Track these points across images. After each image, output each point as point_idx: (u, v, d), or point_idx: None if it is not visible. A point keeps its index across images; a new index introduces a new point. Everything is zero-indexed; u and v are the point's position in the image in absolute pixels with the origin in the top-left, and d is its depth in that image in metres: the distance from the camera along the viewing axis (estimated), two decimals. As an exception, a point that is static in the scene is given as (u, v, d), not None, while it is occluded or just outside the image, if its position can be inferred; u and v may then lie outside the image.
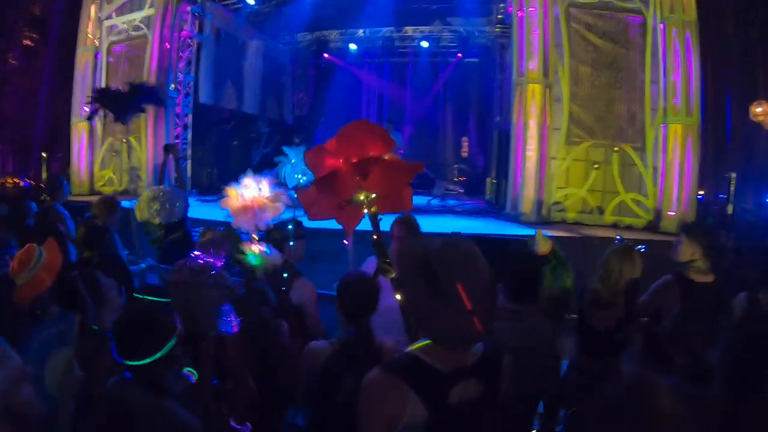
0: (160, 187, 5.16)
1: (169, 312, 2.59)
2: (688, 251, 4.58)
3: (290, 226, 4.27)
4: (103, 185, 15.46)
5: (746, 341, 4.28)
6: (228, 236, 4.50)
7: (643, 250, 4.63)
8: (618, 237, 4.60)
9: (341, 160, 3.32)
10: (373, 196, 3.18)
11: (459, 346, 2.07)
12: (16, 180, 19.00)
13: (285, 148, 5.00)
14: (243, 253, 3.92)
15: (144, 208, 5.00)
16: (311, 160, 3.61)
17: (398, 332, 3.34)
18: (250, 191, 4.07)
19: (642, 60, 11.82)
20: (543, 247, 4.34)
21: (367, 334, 3.23)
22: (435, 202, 14.13)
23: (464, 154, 20.24)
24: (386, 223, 3.68)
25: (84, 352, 2.89)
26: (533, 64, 11.61)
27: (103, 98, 3.87)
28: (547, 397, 3.68)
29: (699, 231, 4.69)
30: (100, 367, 2.84)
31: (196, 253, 4.15)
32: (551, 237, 4.49)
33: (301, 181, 4.49)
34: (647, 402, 1.57)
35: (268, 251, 3.98)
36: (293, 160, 4.96)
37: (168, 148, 8.20)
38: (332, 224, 3.27)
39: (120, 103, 4.00)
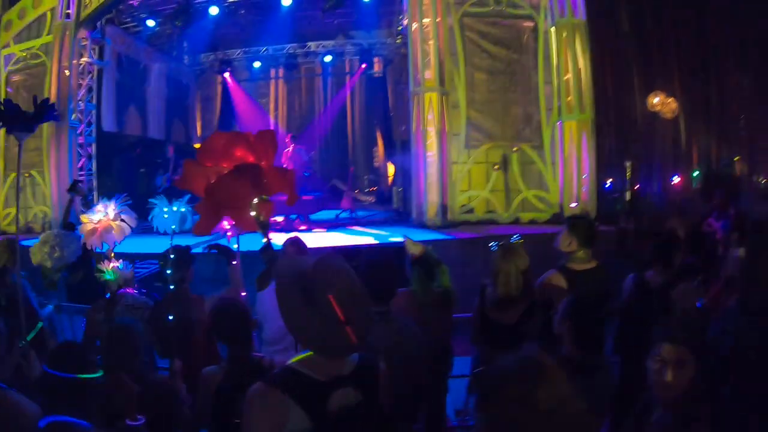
0: (52, 231, 5.19)
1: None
2: (567, 242, 4.90)
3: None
4: (9, 224, 14.95)
5: (635, 315, 4.61)
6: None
7: (520, 239, 4.91)
8: (493, 244, 4.80)
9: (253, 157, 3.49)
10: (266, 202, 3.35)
11: (335, 355, 2.19)
12: None
13: (153, 200, 5.10)
14: (101, 270, 4.14)
15: (36, 252, 5.00)
16: (218, 143, 3.79)
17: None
18: (99, 215, 4.32)
19: (535, 63, 12.38)
20: (414, 251, 4.54)
21: (250, 357, 3.36)
22: (344, 215, 14.21)
23: (376, 164, 20.46)
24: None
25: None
26: (429, 74, 11.94)
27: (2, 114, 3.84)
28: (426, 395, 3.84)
29: (577, 223, 5.01)
30: None
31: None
32: (423, 242, 4.69)
33: (175, 230, 4.61)
34: (535, 372, 1.65)
35: (121, 267, 4.23)
36: (165, 208, 5.05)
37: (72, 189, 8.04)
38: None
39: (18, 120, 3.96)
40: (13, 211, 14.95)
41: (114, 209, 4.36)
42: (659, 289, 4.75)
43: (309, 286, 2.11)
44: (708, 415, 2.44)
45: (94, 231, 4.23)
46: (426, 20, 12.08)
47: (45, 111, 3.93)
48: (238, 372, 3.26)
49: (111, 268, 4.19)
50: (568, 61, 12.03)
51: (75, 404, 2.56)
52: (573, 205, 11.79)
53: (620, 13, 17.22)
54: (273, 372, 2.30)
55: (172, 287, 4.36)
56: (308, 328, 2.14)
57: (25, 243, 6.59)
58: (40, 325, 4.11)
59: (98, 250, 4.49)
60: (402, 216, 13.91)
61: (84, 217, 4.33)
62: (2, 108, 3.84)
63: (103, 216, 4.30)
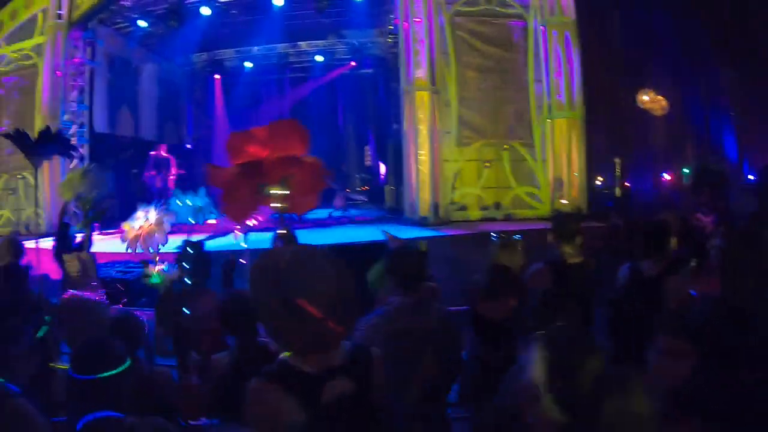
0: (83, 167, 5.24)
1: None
2: (550, 236, 5.04)
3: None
4: (2, 225, 14.98)
5: (629, 306, 4.70)
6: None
7: (520, 238, 5.02)
8: (494, 235, 4.92)
9: (267, 151, 3.56)
10: (283, 192, 3.42)
11: (315, 350, 2.20)
12: None
13: (175, 192, 5.33)
14: (147, 275, 4.18)
15: (67, 187, 5.03)
16: (234, 143, 3.84)
17: None
18: (140, 221, 4.34)
19: (526, 61, 12.49)
20: (395, 245, 4.63)
21: (256, 344, 3.46)
22: (337, 213, 14.26)
23: (368, 163, 20.51)
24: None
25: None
26: (420, 72, 12.05)
27: (17, 140, 3.93)
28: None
29: (557, 218, 5.17)
30: None
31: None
32: (417, 239, 4.80)
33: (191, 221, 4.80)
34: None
35: (166, 269, 4.24)
36: (188, 201, 5.24)
37: None
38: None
39: (32, 148, 4.06)
40: (5, 213, 14.99)
41: (155, 213, 4.41)
42: (654, 278, 4.86)
43: (280, 288, 2.13)
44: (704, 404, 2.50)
45: (137, 237, 4.28)
46: (417, 19, 12.16)
47: (53, 143, 4.10)
48: (244, 358, 3.36)
49: (157, 271, 4.21)
50: (557, 59, 12.14)
51: (106, 401, 2.60)
52: (564, 201, 11.91)
53: (610, 10, 17.37)
54: (267, 366, 2.29)
55: (187, 282, 4.46)
56: (284, 331, 2.20)
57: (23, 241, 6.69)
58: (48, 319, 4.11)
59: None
60: (395, 214, 13.97)
61: (126, 225, 4.40)
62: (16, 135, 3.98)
63: (144, 221, 4.36)
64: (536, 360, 1.84)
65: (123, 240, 4.44)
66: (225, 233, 5.02)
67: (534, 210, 12.17)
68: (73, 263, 4.74)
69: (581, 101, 12.20)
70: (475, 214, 12.05)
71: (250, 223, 5.05)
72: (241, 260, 4.74)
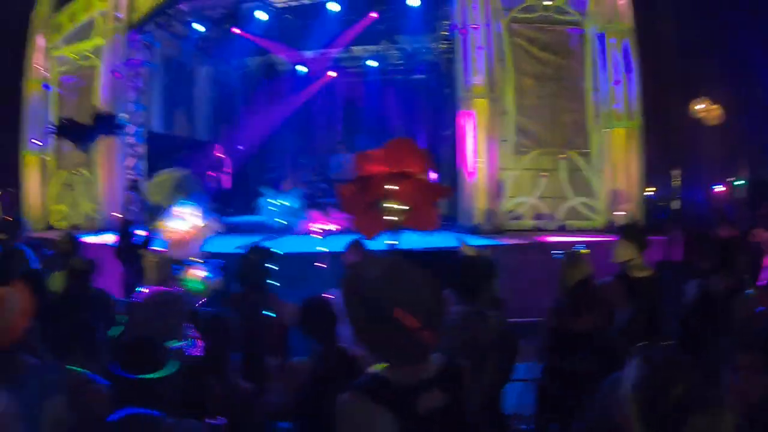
0: (174, 171, 5.24)
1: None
2: (624, 250, 4.97)
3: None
4: (59, 220, 15.32)
5: (698, 322, 4.64)
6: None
7: (583, 249, 4.94)
8: (559, 253, 4.87)
9: (382, 168, 3.60)
10: (400, 208, 3.44)
11: (409, 363, 2.21)
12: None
13: (263, 189, 5.37)
14: (185, 279, 4.12)
15: (154, 190, 5.05)
16: (357, 162, 3.90)
17: None
18: (182, 223, 4.29)
19: (583, 69, 12.31)
20: (469, 254, 4.59)
21: (339, 349, 3.47)
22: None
23: (416, 169, 20.44)
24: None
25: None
26: (478, 79, 11.96)
27: (64, 130, 3.98)
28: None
29: (633, 231, 5.09)
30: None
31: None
32: (481, 246, 4.75)
33: (282, 222, 4.80)
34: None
35: (209, 275, 4.19)
36: (277, 202, 5.28)
37: (133, 188, 8.32)
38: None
39: (81, 133, 4.11)
40: (63, 207, 15.32)
41: (197, 214, 4.34)
42: (722, 295, 4.77)
43: (375, 299, 2.14)
44: None
45: (181, 241, 4.23)
46: (474, 26, 12.09)
47: (105, 123, 4.12)
48: (325, 364, 3.38)
49: (198, 277, 4.16)
50: (615, 67, 11.97)
51: (148, 402, 2.60)
52: (620, 213, 11.71)
53: (664, 17, 17.11)
54: (360, 379, 2.30)
55: (251, 285, 4.49)
56: (379, 342, 2.21)
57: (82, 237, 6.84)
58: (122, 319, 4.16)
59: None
60: (448, 220, 13.86)
61: (165, 225, 4.32)
62: (62, 124, 4.02)
63: (187, 223, 4.28)
64: (633, 377, 1.81)
65: (164, 240, 4.35)
66: (302, 234, 5.03)
67: (589, 221, 11.98)
68: (150, 261, 4.77)
69: (640, 111, 11.98)
70: (529, 223, 11.91)
71: (330, 227, 5.06)
72: (320, 264, 4.77)
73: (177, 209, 4.38)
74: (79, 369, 3.07)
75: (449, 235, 11.49)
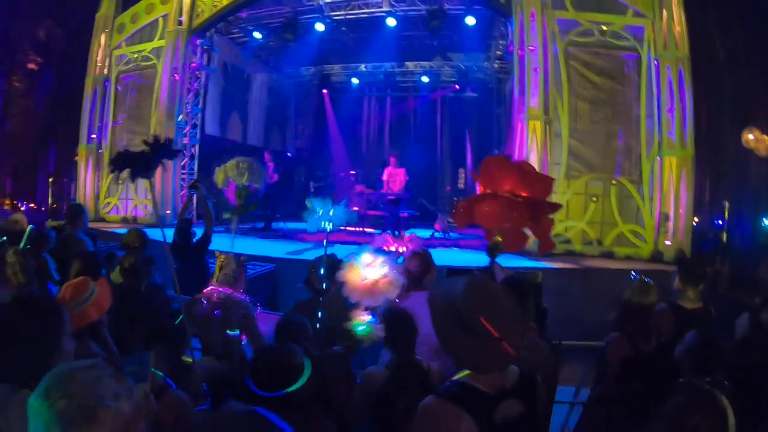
0: (244, 157, 5.32)
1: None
2: (677, 280, 5.02)
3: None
4: (108, 212, 15.73)
5: (751, 357, 4.63)
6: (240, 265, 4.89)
7: (649, 281, 4.98)
8: (633, 273, 4.95)
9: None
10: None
11: (492, 371, 2.31)
12: (14, 202, 18.97)
13: (311, 199, 5.45)
14: (351, 323, 4.18)
15: (221, 173, 5.13)
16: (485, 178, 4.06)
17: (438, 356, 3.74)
18: (372, 271, 4.34)
19: (637, 95, 12.25)
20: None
21: (414, 360, 3.57)
22: (438, 235, 14.29)
23: (461, 186, 20.47)
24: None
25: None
26: (534, 101, 11.99)
27: (123, 162, 4.14)
28: None
29: (689, 262, 5.15)
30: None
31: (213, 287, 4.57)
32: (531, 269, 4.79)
33: (328, 228, 4.87)
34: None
35: (372, 320, 4.23)
36: (320, 211, 5.35)
37: (193, 187, 8.52)
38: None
39: (140, 163, 4.26)
40: (114, 200, 15.72)
41: (385, 265, 4.38)
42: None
43: (461, 310, 2.24)
44: None
45: (369, 290, 4.28)
46: (532, 48, 12.15)
47: (165, 151, 4.26)
48: (401, 374, 3.46)
49: (364, 321, 4.22)
50: (670, 95, 11.90)
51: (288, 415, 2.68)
52: (668, 243, 11.62)
53: (715, 45, 16.92)
54: (444, 386, 2.38)
55: (321, 292, 4.61)
56: (465, 350, 2.28)
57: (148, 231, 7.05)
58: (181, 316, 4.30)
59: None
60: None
61: (352, 267, 4.37)
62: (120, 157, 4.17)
63: (377, 273, 4.32)
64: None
65: (342, 278, 4.37)
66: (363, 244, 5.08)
67: (636, 249, 11.89)
68: (224, 261, 4.91)
69: (692, 140, 11.87)
70: (578, 248, 11.86)
71: (400, 250, 5.13)
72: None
73: (368, 257, 4.42)
74: (158, 372, 3.17)
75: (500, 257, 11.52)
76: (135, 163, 4.32)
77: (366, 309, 4.28)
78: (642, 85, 12.24)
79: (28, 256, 5.03)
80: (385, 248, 5.21)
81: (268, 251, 10.75)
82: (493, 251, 4.86)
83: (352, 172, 18.22)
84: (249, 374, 2.73)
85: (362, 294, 4.26)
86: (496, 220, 4.17)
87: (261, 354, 2.84)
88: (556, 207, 4.37)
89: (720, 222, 14.54)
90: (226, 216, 5.44)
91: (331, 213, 5.33)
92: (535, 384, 2.45)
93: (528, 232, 5.11)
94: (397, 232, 12.47)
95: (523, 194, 4.12)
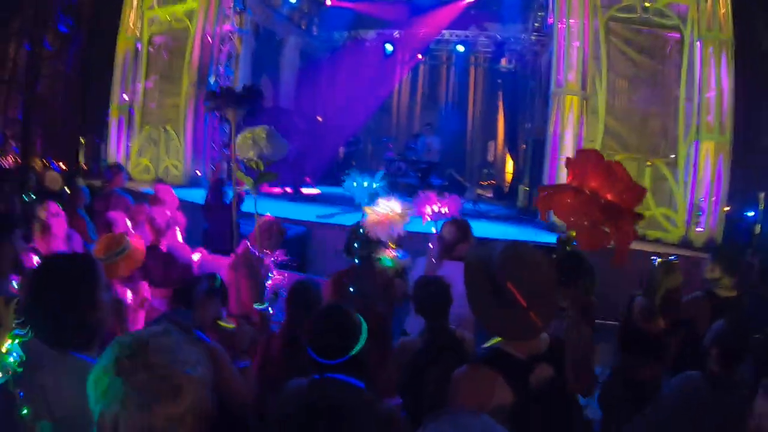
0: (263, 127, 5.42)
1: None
2: (714, 270, 4.95)
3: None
4: (140, 173, 15.81)
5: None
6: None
7: (675, 259, 4.96)
8: (653, 257, 4.93)
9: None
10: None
11: (520, 339, 2.38)
12: (45, 162, 19.19)
13: (351, 173, 5.55)
14: (379, 257, 4.40)
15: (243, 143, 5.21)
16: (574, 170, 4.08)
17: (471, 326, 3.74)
18: (384, 208, 4.58)
19: (678, 76, 11.90)
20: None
21: (447, 330, 3.55)
22: (468, 206, 14.21)
23: (491, 159, 20.30)
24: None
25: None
26: (572, 76, 11.76)
27: (223, 97, 4.18)
28: None
29: (725, 252, 5.12)
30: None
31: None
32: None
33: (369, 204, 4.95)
34: None
35: (400, 255, 4.48)
36: (364, 184, 5.43)
37: (227, 145, 8.57)
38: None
39: (232, 100, 4.31)
40: (145, 161, 15.80)
41: (399, 205, 4.71)
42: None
43: (494, 274, 2.28)
44: None
45: (380, 223, 4.56)
46: (572, 21, 11.87)
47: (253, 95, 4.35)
48: (435, 343, 3.45)
49: (391, 256, 4.51)
50: (711, 78, 11.57)
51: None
52: (699, 229, 11.38)
53: (758, 33, 16.42)
54: (477, 353, 2.51)
55: (357, 261, 4.61)
56: (494, 317, 2.35)
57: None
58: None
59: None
60: (527, 215, 13.77)
61: (368, 209, 4.68)
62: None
63: (390, 210, 4.66)
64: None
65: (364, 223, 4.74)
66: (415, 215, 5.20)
67: (666, 233, 11.67)
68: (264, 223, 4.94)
69: (732, 125, 11.56)
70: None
71: (443, 210, 5.23)
72: (429, 245, 4.93)
73: (382, 200, 4.86)
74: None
75: (532, 230, 11.46)
76: (229, 99, 4.51)
77: (393, 246, 4.60)
78: (683, 66, 11.89)
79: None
80: (428, 207, 5.31)
81: (298, 215, 10.77)
82: (563, 245, 4.81)
83: (384, 139, 18.14)
84: (310, 344, 2.64)
85: (377, 228, 4.49)
86: (573, 216, 4.14)
87: (319, 319, 2.74)
88: (638, 217, 4.31)
89: (753, 213, 14.16)
90: (245, 186, 5.45)
91: (366, 184, 5.40)
92: (564, 348, 2.50)
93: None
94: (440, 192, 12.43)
95: (608, 196, 4.04)
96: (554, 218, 4.68)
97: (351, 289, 4.29)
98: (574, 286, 4.25)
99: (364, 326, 2.68)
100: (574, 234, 4.21)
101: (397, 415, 2.73)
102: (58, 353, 2.19)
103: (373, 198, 5.17)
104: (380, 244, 4.53)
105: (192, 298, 3.50)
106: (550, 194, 4.44)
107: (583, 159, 4.43)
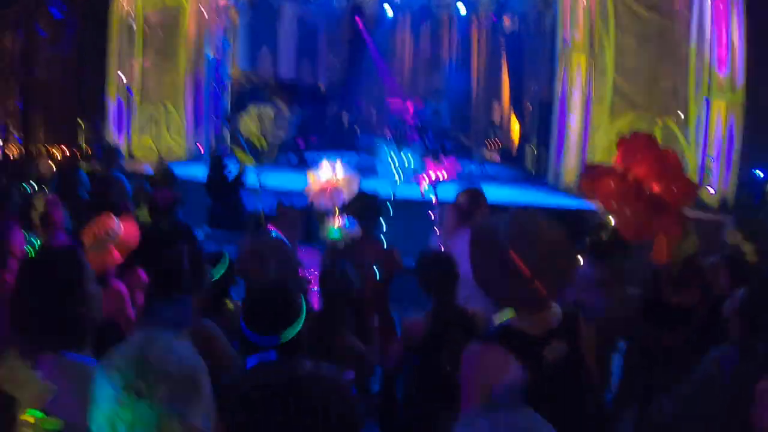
0: (267, 106, 5.34)
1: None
2: (735, 234, 4.82)
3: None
4: (142, 151, 15.66)
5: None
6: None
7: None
8: None
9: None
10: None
11: (525, 310, 2.30)
12: (48, 149, 19.15)
13: (382, 145, 5.49)
14: (325, 227, 4.24)
15: (248, 121, 5.12)
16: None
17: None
18: (326, 173, 4.39)
19: (687, 33, 11.54)
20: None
21: (455, 306, 3.44)
22: (473, 168, 14.05)
23: (496, 121, 20.02)
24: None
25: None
26: (578, 34, 11.54)
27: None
28: None
29: (743, 217, 5.02)
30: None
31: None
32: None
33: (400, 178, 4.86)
34: None
35: (348, 225, 4.29)
36: (394, 159, 5.36)
37: (228, 118, 8.44)
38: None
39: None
40: (146, 139, 15.67)
41: (341, 168, 4.50)
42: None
43: (498, 242, 2.20)
44: None
45: (323, 191, 4.38)
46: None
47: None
48: (443, 321, 3.36)
49: (338, 226, 4.32)
50: (722, 33, 11.23)
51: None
52: (711, 191, 11.17)
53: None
54: (488, 330, 2.42)
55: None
56: (497, 285, 2.28)
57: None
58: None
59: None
60: (534, 177, 13.63)
61: (311, 175, 4.47)
62: None
63: (332, 175, 4.45)
64: None
65: (306, 191, 4.52)
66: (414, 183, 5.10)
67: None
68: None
69: (745, 83, 11.26)
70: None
71: (439, 175, 5.07)
72: (429, 212, 4.80)
73: (324, 162, 4.53)
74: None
75: (540, 192, 11.30)
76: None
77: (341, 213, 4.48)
78: (693, 22, 11.56)
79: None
80: (426, 173, 5.17)
81: (302, 184, 10.60)
82: (597, 232, 4.63)
83: (388, 104, 17.92)
84: (243, 320, 2.49)
85: (319, 197, 4.40)
86: (613, 201, 3.98)
87: (255, 297, 2.62)
88: (683, 219, 4.12)
89: (762, 175, 13.92)
90: (246, 163, 5.34)
91: (400, 158, 5.28)
92: (579, 323, 2.42)
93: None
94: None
95: (654, 187, 3.85)
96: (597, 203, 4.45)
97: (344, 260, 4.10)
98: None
99: (303, 309, 2.54)
100: (612, 221, 4.06)
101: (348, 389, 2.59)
102: (51, 356, 2.08)
103: (403, 170, 5.07)
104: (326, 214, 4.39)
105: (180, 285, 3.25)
106: (594, 174, 4.23)
107: (635, 141, 4.21)
